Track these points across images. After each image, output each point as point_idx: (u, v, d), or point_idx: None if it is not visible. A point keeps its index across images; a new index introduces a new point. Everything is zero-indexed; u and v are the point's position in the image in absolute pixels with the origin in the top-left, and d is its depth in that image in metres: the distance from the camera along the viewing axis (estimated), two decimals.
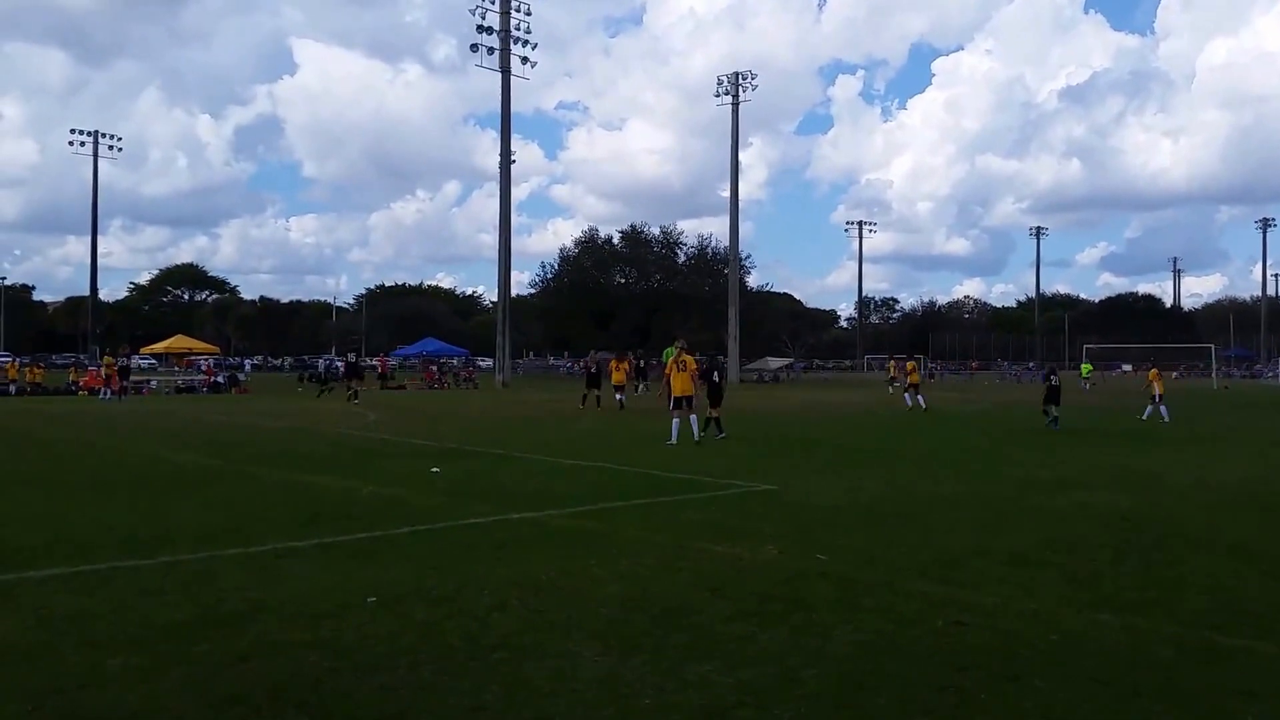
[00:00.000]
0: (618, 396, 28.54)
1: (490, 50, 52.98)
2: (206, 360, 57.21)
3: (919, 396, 28.86)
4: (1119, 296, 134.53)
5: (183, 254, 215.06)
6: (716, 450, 16.18)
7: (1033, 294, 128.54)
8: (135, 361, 51.78)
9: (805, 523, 9.10)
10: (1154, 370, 28.18)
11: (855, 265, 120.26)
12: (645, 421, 22.09)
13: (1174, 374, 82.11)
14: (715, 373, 19.62)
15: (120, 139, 74.80)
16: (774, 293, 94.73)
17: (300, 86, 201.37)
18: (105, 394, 34.00)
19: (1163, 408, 25.61)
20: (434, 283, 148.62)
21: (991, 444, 18.60)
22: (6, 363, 47.00)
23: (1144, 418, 25.43)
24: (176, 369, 53.43)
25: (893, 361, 46.06)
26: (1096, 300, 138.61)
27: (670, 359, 18.53)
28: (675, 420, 17.09)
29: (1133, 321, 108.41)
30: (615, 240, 72.74)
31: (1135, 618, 5.84)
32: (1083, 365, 57.09)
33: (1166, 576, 6.96)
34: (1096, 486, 11.76)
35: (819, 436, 20.12)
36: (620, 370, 29.37)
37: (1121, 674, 4.83)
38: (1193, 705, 4.44)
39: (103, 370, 35.96)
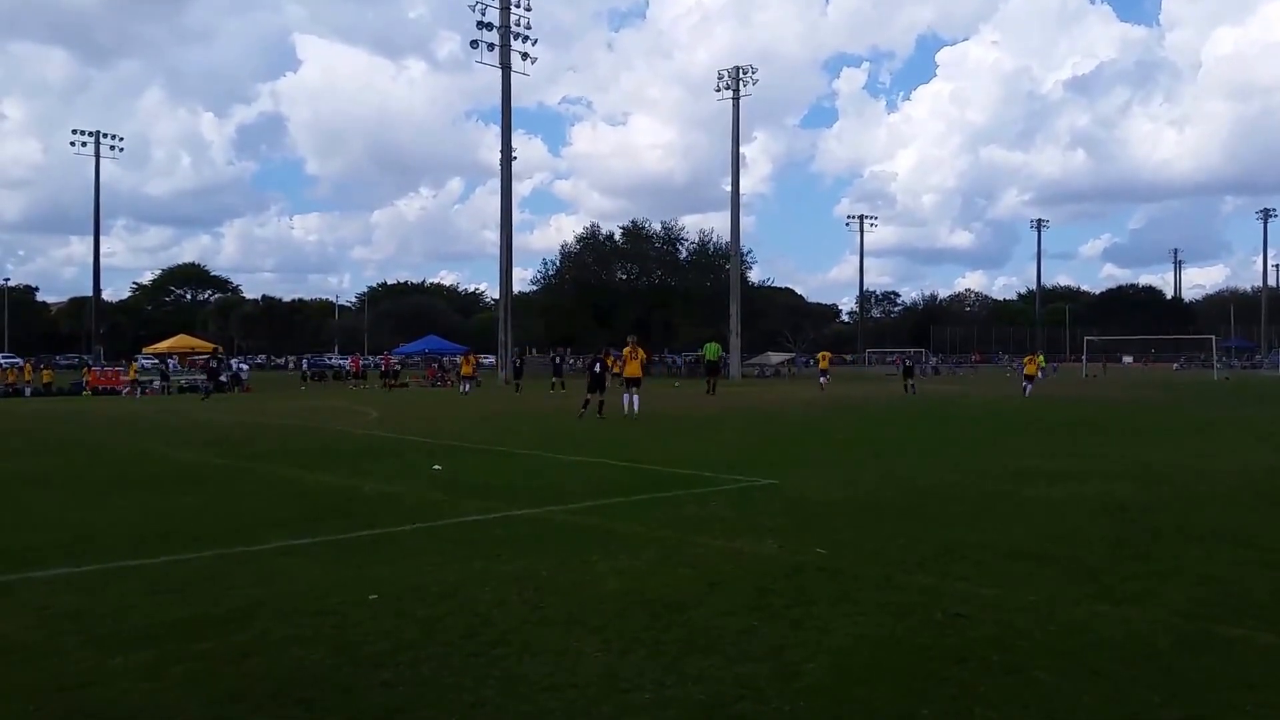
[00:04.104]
0: (464, 388, 38.03)
1: (490, 46, 52.95)
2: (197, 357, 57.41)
3: (822, 379, 39.54)
4: (1120, 288, 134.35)
5: (186, 253, 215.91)
6: (716, 446, 16.22)
7: (1035, 286, 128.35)
8: (139, 362, 52.87)
9: (805, 516, 9.11)
10: (1029, 357, 38.08)
11: (858, 259, 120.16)
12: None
13: (1175, 365, 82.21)
14: (598, 364, 23.37)
15: (121, 139, 74.56)
16: (775, 288, 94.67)
17: (303, 84, 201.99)
18: (27, 391, 40.48)
19: (1029, 386, 33.68)
20: (436, 280, 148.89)
21: (989, 436, 18.59)
22: (23, 364, 47.18)
23: (1026, 395, 32.29)
24: (180, 368, 53.52)
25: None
26: (1098, 292, 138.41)
27: (627, 350, 23.89)
28: (626, 396, 22.73)
29: (1133, 313, 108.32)
30: (616, 236, 72.72)
31: (1134, 609, 5.85)
32: (1034, 358, 56.69)
33: (1165, 567, 6.96)
34: (1095, 477, 11.75)
35: (819, 430, 20.13)
36: (468, 364, 40.25)
37: (1121, 665, 4.84)
38: (1192, 696, 4.45)
39: (25, 373, 43.03)
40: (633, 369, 23.18)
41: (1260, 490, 10.99)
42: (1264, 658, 5.01)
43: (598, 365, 23.29)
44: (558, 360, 42.37)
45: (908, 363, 40.71)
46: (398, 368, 49.15)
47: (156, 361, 53.70)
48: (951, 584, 6.45)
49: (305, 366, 65.94)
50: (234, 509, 9.71)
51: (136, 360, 49.98)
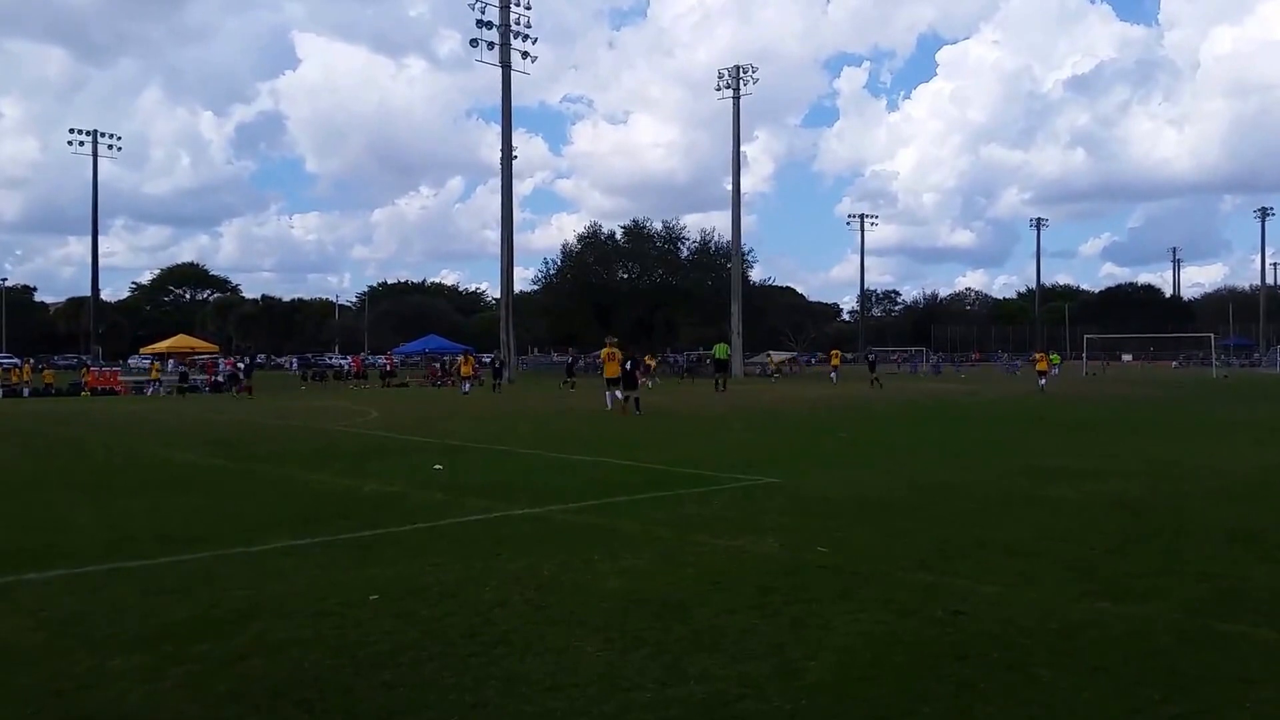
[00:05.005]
0: (464, 387, 39.30)
1: (491, 45, 52.91)
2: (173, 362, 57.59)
3: (833, 374, 46.52)
4: (1119, 287, 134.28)
5: (185, 253, 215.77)
6: (718, 444, 16.22)
7: (1034, 285, 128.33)
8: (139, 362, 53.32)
9: (807, 515, 9.10)
10: (1039, 354, 42.99)
11: (858, 258, 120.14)
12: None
13: (1173, 364, 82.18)
14: (630, 362, 24.95)
15: (119, 138, 74.65)
16: (776, 287, 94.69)
17: (303, 82, 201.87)
18: (25, 392, 40.14)
19: (1042, 381, 37.19)
20: (437, 280, 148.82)
21: (992, 434, 18.58)
22: (21, 364, 46.93)
23: (1043, 389, 35.28)
24: (180, 367, 53.51)
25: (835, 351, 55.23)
26: (1098, 291, 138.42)
27: (605, 353, 25.42)
28: (607, 394, 24.38)
29: (1133, 311, 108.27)
30: (618, 235, 72.64)
31: (1136, 606, 5.84)
32: (1045, 355, 56.57)
33: (1167, 564, 6.94)
34: (1097, 475, 11.72)
35: (820, 429, 20.11)
36: (468, 364, 41.85)
37: (1122, 662, 4.82)
38: (1193, 692, 4.44)
39: (25, 373, 43.34)
40: (612, 369, 24.48)
41: (1262, 488, 10.97)
42: (1264, 654, 5.00)
43: (629, 363, 24.61)
44: (570, 361, 49.85)
45: (870, 358, 46.77)
46: (441, 365, 51.27)
47: (168, 363, 53.91)
48: (953, 581, 6.43)
49: (295, 366, 65.91)
50: (233, 509, 9.69)
51: (156, 361, 50.29)
